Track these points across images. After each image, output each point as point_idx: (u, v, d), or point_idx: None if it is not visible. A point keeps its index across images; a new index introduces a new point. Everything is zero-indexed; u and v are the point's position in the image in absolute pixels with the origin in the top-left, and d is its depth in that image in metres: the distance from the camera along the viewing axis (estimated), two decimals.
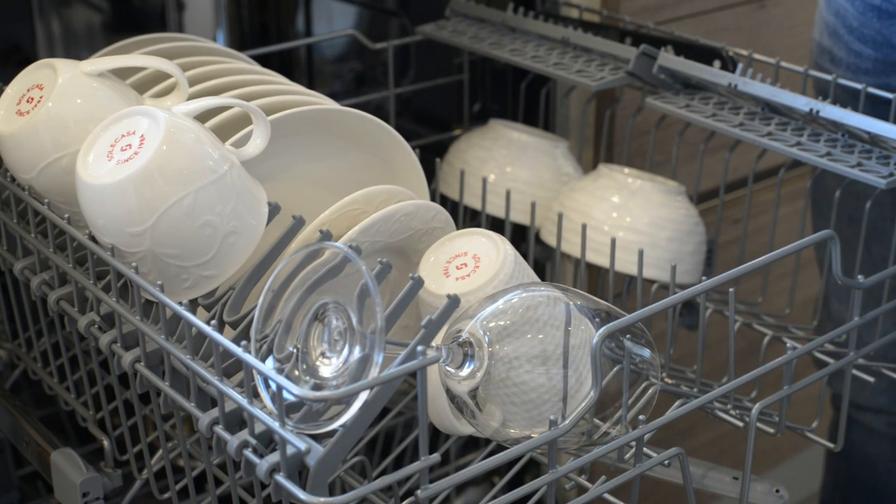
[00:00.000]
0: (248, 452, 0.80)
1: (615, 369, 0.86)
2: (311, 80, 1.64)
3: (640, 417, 0.85)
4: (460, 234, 0.96)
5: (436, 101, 1.58)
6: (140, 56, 1.02)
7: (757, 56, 1.26)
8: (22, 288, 1.10)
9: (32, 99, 0.95)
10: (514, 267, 0.93)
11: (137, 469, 1.08)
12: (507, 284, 0.92)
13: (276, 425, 0.76)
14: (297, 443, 0.75)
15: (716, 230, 1.33)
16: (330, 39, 1.64)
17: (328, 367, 0.80)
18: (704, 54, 1.25)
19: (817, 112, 1.13)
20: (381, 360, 0.76)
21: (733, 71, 1.22)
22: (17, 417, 1.12)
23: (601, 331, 0.80)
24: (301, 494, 0.75)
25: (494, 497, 1.03)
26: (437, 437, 1.38)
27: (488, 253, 0.94)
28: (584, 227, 1.23)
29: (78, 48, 1.47)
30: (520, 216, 1.33)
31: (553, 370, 0.85)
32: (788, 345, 0.95)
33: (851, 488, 1.55)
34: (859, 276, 0.99)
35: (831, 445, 1.09)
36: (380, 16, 1.67)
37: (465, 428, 0.92)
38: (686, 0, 1.49)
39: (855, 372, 1.14)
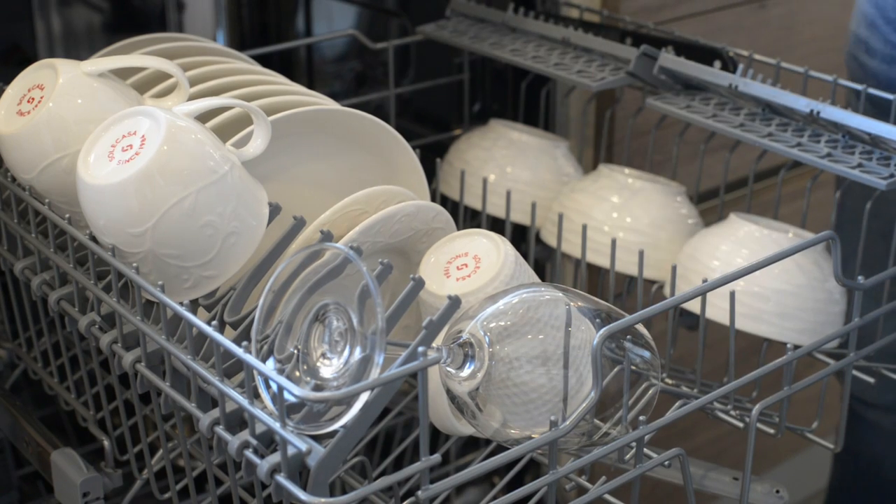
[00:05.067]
0: (248, 453, 0.80)
1: (615, 370, 0.86)
2: (311, 80, 1.64)
3: (641, 418, 0.85)
4: (461, 234, 0.96)
5: (436, 101, 1.57)
6: (140, 56, 1.02)
7: (757, 56, 1.26)
8: (22, 288, 1.10)
9: (33, 99, 0.95)
10: (514, 267, 0.93)
11: (138, 469, 1.08)
12: (507, 285, 0.92)
13: (276, 426, 0.76)
14: (298, 443, 0.75)
15: None
16: (330, 39, 1.64)
17: (329, 368, 0.80)
18: (705, 55, 1.25)
19: (818, 113, 1.13)
20: (382, 360, 0.76)
21: (734, 71, 1.22)
22: (18, 417, 1.11)
23: (602, 331, 0.80)
24: (302, 495, 0.75)
25: (495, 497, 1.03)
26: (437, 437, 1.37)
27: (489, 253, 0.94)
28: (584, 227, 1.22)
29: (78, 48, 1.47)
30: (520, 216, 1.32)
31: (553, 371, 0.85)
32: (788, 345, 0.95)
33: (858, 487, 1.55)
34: (859, 277, 0.99)
35: (830, 446, 1.09)
36: (380, 16, 1.67)
37: (465, 428, 0.92)
38: (686, 0, 1.49)
39: (855, 373, 1.14)
